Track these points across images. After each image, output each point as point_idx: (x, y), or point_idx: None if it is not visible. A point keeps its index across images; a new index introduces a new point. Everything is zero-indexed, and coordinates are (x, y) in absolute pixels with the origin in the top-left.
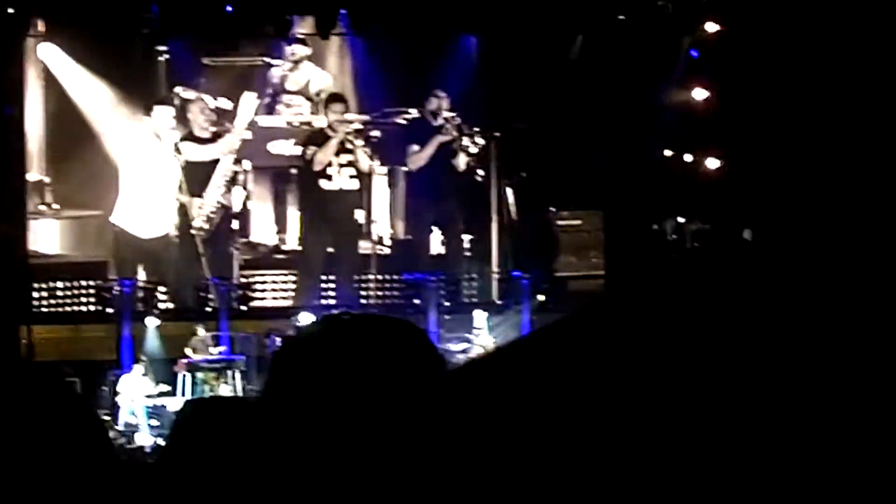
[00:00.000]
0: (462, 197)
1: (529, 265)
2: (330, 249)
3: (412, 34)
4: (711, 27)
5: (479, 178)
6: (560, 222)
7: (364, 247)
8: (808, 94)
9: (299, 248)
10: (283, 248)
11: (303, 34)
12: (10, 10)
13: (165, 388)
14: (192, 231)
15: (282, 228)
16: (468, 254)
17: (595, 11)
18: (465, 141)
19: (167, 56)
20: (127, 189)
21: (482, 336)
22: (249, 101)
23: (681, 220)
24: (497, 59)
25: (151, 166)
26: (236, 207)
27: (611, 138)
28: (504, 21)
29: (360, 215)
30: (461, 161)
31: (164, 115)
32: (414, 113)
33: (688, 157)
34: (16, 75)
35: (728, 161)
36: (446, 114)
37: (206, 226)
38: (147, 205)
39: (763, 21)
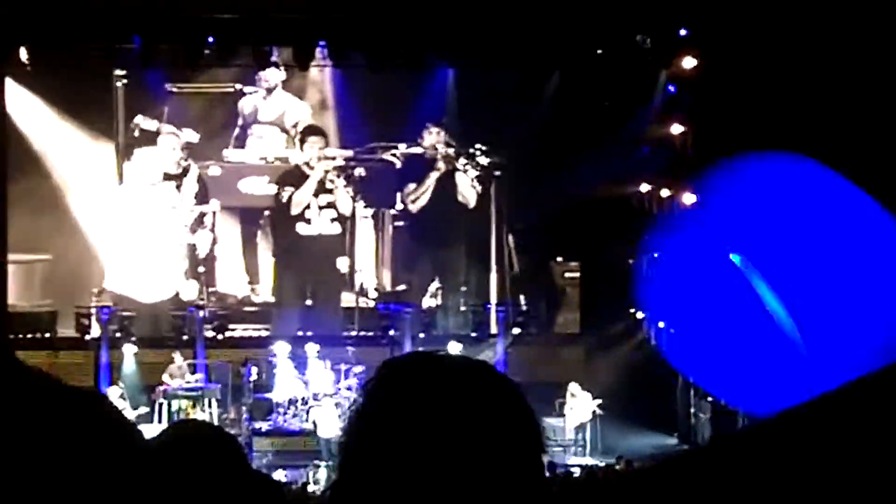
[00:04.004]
0: (466, 240)
1: (531, 325)
2: (308, 302)
3: (391, 65)
4: (689, 62)
5: (480, 195)
6: (569, 274)
7: (346, 299)
8: (786, 128)
9: (273, 299)
10: (255, 299)
11: (280, 64)
12: None
13: (144, 410)
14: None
15: (253, 277)
16: (463, 308)
17: (573, 45)
18: (464, 165)
19: (125, 82)
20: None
21: None
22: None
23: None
24: (474, 92)
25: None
26: (202, 253)
27: (588, 174)
28: (482, 54)
29: (342, 263)
30: (467, 196)
31: (147, 158)
32: (403, 148)
33: (665, 192)
34: None
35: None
36: (444, 149)
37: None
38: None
39: (740, 56)
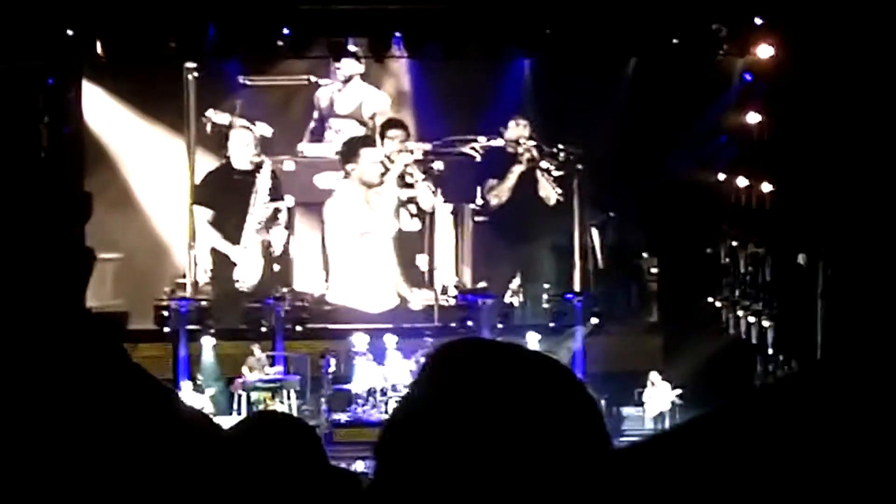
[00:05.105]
0: (547, 235)
1: (610, 315)
2: None
3: (466, 56)
4: (765, 51)
5: (562, 200)
6: (651, 268)
7: (426, 297)
8: (864, 117)
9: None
10: (331, 298)
11: (360, 56)
12: (70, 33)
13: (222, 402)
14: (235, 282)
15: (329, 275)
16: (546, 305)
17: (649, 34)
18: (546, 163)
19: (196, 74)
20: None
21: None
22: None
23: (734, 243)
24: (550, 83)
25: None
26: (277, 250)
27: (666, 164)
28: (558, 43)
29: (421, 261)
30: (548, 192)
31: (372, 158)
32: (483, 141)
33: (742, 181)
34: (74, 96)
35: (782, 185)
36: (527, 143)
37: (245, 276)
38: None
39: (817, 44)
